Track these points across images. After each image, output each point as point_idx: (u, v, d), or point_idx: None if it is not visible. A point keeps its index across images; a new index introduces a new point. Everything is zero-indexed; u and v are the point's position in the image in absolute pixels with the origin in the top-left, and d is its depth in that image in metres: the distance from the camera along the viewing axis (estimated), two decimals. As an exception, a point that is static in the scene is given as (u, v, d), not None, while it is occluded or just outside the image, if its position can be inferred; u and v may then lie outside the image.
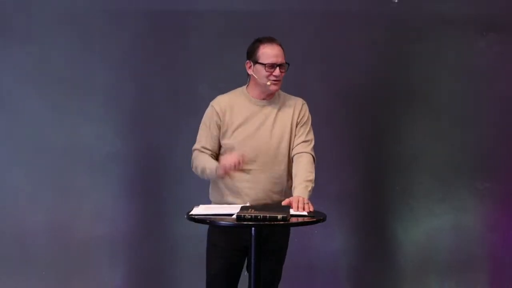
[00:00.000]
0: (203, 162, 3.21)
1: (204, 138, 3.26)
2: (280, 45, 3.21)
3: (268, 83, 3.19)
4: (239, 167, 3.08)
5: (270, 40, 3.21)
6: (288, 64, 3.22)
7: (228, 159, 3.08)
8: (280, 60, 3.17)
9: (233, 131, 3.22)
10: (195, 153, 3.28)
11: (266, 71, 3.18)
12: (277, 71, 3.17)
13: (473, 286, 4.21)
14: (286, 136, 3.25)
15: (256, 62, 3.19)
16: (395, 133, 4.21)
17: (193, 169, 3.29)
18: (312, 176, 3.17)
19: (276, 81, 3.18)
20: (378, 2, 4.18)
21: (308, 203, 3.02)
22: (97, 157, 4.18)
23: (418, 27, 4.17)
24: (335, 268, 4.23)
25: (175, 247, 4.20)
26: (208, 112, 3.29)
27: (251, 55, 3.21)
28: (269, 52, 3.17)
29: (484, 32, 4.15)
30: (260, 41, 3.21)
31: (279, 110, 3.27)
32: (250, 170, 3.19)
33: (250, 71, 3.24)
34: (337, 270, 4.23)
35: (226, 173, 3.11)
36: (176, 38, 4.18)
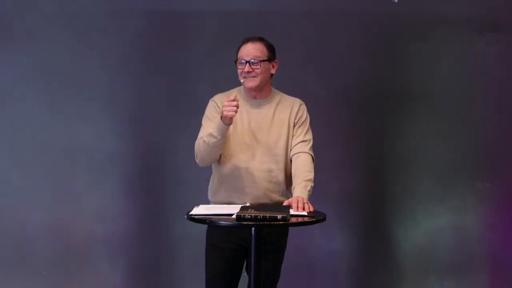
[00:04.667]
0: (205, 136, 3.16)
1: (208, 127, 3.22)
2: (260, 42, 3.22)
3: (242, 80, 3.23)
4: (237, 102, 3.04)
5: (247, 39, 3.24)
6: (270, 60, 3.22)
7: (227, 106, 3.03)
8: (250, 57, 3.19)
9: (231, 130, 3.22)
10: (197, 142, 3.23)
11: (238, 68, 3.23)
12: (246, 67, 3.19)
13: (473, 286, 4.21)
14: (284, 136, 3.25)
15: (235, 62, 3.26)
16: (395, 133, 4.21)
17: (198, 159, 3.23)
18: (311, 175, 3.18)
19: (249, 77, 3.20)
20: (378, 2, 4.18)
21: (308, 203, 3.02)
22: (97, 157, 4.18)
23: (418, 27, 4.17)
24: (335, 268, 4.23)
25: (175, 247, 4.20)
26: (210, 105, 3.31)
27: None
28: (240, 51, 3.23)
29: (484, 32, 4.15)
30: (241, 41, 3.26)
31: (276, 109, 3.28)
32: (247, 168, 3.20)
33: None
34: (337, 270, 4.23)
35: (233, 114, 3.05)
36: (176, 38, 4.18)
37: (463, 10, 4.16)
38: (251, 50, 3.20)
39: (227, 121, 3.07)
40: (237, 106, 3.04)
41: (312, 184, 3.16)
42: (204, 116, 3.31)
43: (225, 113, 3.05)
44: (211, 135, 3.13)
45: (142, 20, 4.17)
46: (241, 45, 3.24)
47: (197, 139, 3.26)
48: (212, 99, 3.33)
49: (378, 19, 4.17)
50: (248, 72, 3.19)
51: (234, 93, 3.30)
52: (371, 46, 4.18)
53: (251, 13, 4.15)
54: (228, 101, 3.04)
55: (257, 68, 3.20)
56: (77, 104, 4.18)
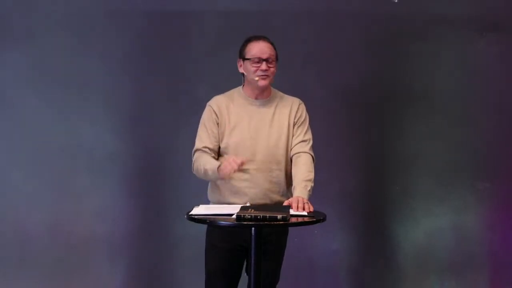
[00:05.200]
0: (203, 163, 3.20)
1: (204, 137, 3.25)
2: (269, 42, 3.23)
3: (256, 78, 3.20)
4: (240, 168, 3.08)
5: (257, 37, 3.23)
6: (277, 60, 3.23)
7: (229, 163, 3.07)
8: (266, 55, 3.18)
9: (231, 131, 3.23)
10: (196, 154, 3.26)
11: (253, 66, 3.20)
12: (263, 65, 3.18)
13: (473, 286, 4.21)
14: (284, 136, 3.25)
15: (244, 59, 3.22)
16: (395, 133, 4.21)
17: (194, 171, 3.28)
18: (311, 175, 3.18)
19: (264, 76, 3.19)
20: (378, 2, 4.18)
21: (308, 203, 3.02)
22: (97, 157, 4.18)
23: (418, 27, 4.17)
24: (335, 268, 4.23)
25: (175, 247, 4.20)
26: (206, 112, 3.30)
27: (241, 53, 3.25)
28: (255, 47, 3.20)
29: (483, 32, 4.16)
30: (248, 39, 3.25)
31: (276, 109, 3.28)
32: (248, 169, 3.19)
33: (241, 70, 3.27)
34: (337, 270, 4.23)
35: (228, 175, 3.11)
36: (176, 38, 4.18)
37: (463, 10, 4.16)
38: (265, 49, 3.19)
39: (221, 176, 3.11)
40: (240, 170, 3.08)
41: (312, 184, 3.16)
42: (201, 122, 3.30)
43: (224, 169, 3.07)
44: (206, 172, 3.18)
45: (142, 20, 4.17)
46: (251, 42, 3.22)
47: (194, 149, 3.27)
48: (209, 103, 3.31)
49: (378, 19, 4.17)
50: (265, 70, 3.19)
51: (234, 94, 3.30)
52: (371, 46, 4.18)
53: (251, 13, 4.15)
54: (234, 161, 3.05)
55: (272, 67, 3.21)
56: (77, 104, 4.18)
